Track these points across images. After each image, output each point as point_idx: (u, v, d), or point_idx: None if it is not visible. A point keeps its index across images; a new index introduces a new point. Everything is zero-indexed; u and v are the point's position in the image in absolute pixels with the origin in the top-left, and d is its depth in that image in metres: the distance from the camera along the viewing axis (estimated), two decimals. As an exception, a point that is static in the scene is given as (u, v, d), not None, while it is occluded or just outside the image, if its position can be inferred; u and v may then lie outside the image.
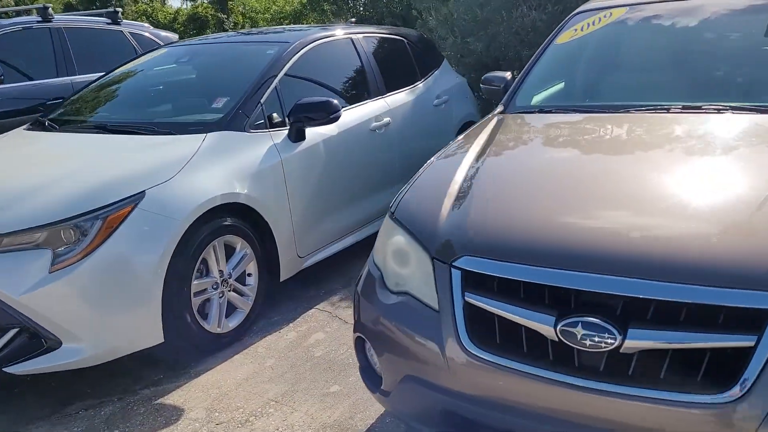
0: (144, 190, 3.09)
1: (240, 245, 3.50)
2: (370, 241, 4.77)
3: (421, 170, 2.61)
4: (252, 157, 3.60)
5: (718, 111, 2.57)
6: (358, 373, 2.42)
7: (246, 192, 3.46)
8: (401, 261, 2.19)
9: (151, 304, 3.04)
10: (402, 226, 2.23)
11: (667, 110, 2.68)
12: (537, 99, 3.23)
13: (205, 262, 3.30)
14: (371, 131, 4.42)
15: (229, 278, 3.46)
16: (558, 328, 1.72)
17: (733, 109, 2.57)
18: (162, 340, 3.12)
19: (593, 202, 2.04)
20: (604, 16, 3.37)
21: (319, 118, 3.80)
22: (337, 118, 3.83)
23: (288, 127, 3.84)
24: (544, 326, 1.74)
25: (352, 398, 2.92)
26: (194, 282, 3.23)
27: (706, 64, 2.99)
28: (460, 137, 2.92)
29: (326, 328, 3.62)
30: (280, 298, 3.96)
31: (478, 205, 2.14)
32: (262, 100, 3.78)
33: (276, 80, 3.91)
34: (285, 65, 4.02)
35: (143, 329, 3.05)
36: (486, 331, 1.87)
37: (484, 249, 1.94)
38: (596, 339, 1.67)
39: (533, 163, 2.48)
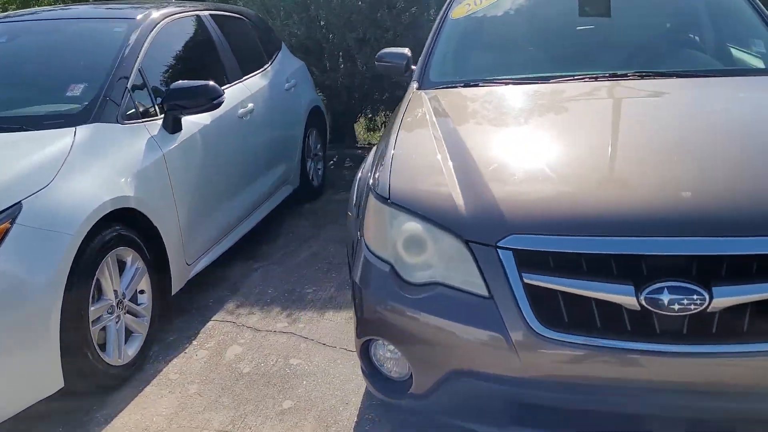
0: (20, 201, 2.44)
1: (131, 258, 2.94)
2: (243, 241, 4.42)
3: (385, 150, 2.40)
4: (132, 153, 3.04)
5: (652, 77, 2.76)
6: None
7: (134, 194, 2.91)
8: (418, 249, 1.98)
9: (49, 340, 2.43)
10: (411, 212, 2.02)
11: (597, 78, 2.78)
12: (453, 74, 3.17)
13: (98, 282, 2.72)
14: (239, 118, 4.01)
15: (124, 299, 2.90)
16: (642, 297, 1.67)
17: (662, 75, 2.76)
18: (62, 384, 2.51)
19: (624, 164, 2.03)
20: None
21: (199, 105, 3.33)
22: (219, 104, 3.40)
23: (163, 117, 3.33)
24: (624, 296, 1.69)
25: (314, 410, 2.62)
26: (91, 308, 2.65)
27: (607, 33, 3.17)
28: (399, 116, 2.75)
29: (239, 339, 3.22)
30: (166, 314, 3.44)
31: (500, 181, 2.01)
32: (128, 86, 3.21)
33: (138, 62, 3.34)
34: (143, 45, 3.45)
35: (39, 374, 2.43)
36: (551, 311, 1.76)
37: (533, 225, 1.82)
38: (685, 302, 1.65)
39: (522, 133, 2.41)
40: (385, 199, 2.12)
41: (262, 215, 4.34)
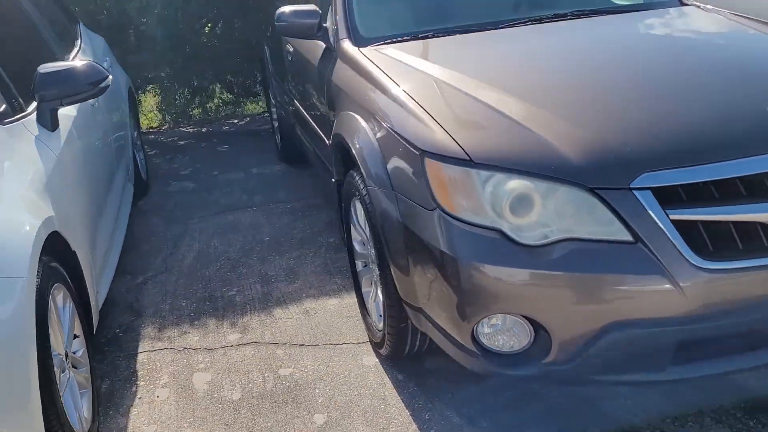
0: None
1: (62, 297, 2.24)
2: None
3: (402, 109, 2.17)
4: (29, 161, 2.28)
5: (578, 16, 2.86)
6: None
7: (54, 214, 2.20)
8: (529, 208, 1.82)
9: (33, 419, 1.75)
10: (509, 170, 1.84)
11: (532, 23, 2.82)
12: (385, 29, 2.93)
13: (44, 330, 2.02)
14: (92, 106, 3.25)
15: (68, 349, 2.20)
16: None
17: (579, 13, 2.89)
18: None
19: (685, 93, 2.09)
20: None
21: (81, 91, 2.61)
22: (105, 88, 2.70)
23: (36, 111, 2.54)
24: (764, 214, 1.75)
25: (355, 417, 2.30)
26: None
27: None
28: (371, 73, 2.48)
29: (196, 365, 2.68)
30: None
31: (594, 122, 1.94)
32: (-14, 74, 2.38)
33: (-20, 42, 2.50)
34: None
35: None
36: (701, 243, 1.76)
37: (661, 161, 1.79)
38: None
39: (545, 76, 2.32)
40: (465, 161, 1.90)
41: (126, 220, 3.63)
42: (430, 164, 1.99)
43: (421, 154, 2.02)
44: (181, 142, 6.00)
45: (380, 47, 2.73)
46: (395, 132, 2.17)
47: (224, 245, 3.77)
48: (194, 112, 6.62)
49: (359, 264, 2.82)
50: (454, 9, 3.05)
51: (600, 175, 1.79)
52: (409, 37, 2.78)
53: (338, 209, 2.94)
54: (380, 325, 2.52)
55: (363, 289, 2.79)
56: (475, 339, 1.93)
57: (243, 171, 4.99)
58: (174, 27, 5.60)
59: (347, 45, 2.83)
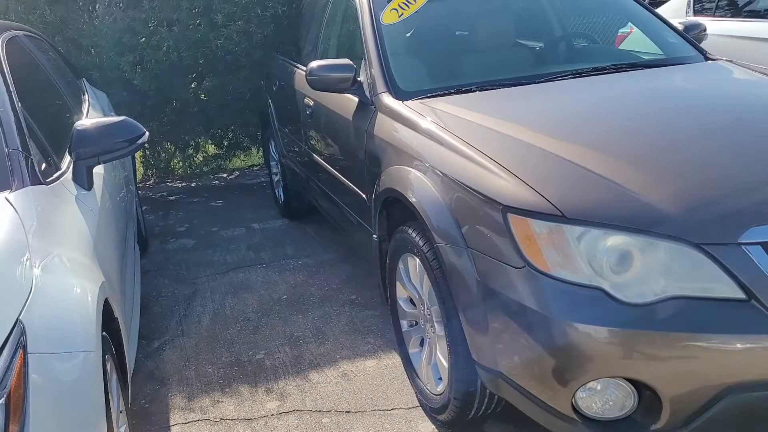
0: (17, 319, 1.50)
1: (110, 368, 2.05)
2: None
3: (472, 165, 2.11)
4: (74, 222, 2.11)
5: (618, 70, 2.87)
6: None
7: (105, 279, 2.03)
8: (629, 264, 1.75)
9: None
10: (607, 226, 1.77)
11: (579, 75, 2.81)
12: (424, 82, 2.90)
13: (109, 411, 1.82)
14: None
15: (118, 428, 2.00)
16: None
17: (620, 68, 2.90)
18: None
19: (739, 144, 2.08)
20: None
21: (118, 149, 2.46)
22: (142, 144, 2.56)
23: (72, 169, 2.38)
24: None
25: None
26: (114, 455, 1.77)
27: (546, 31, 3.23)
28: (441, 131, 2.40)
29: (239, 437, 2.49)
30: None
31: (684, 174, 1.92)
32: (25, 130, 2.22)
33: (14, 94, 2.34)
34: (5, 73, 2.43)
35: None
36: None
37: (763, 215, 1.75)
38: None
39: (610, 131, 2.29)
40: (556, 217, 1.83)
41: (139, 282, 3.43)
42: (515, 220, 1.91)
43: (503, 210, 1.94)
44: (172, 198, 5.81)
45: (426, 101, 2.68)
46: (468, 187, 2.09)
47: (240, 305, 3.59)
48: (179, 166, 6.46)
49: (404, 324, 2.70)
50: (490, 63, 3.04)
51: (704, 231, 1.74)
52: (452, 91, 2.74)
53: (380, 266, 2.83)
54: (439, 389, 2.39)
55: (410, 350, 2.66)
56: (573, 406, 1.82)
57: (244, 226, 4.84)
58: (167, 81, 5.48)
59: (388, 99, 2.77)
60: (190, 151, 6.28)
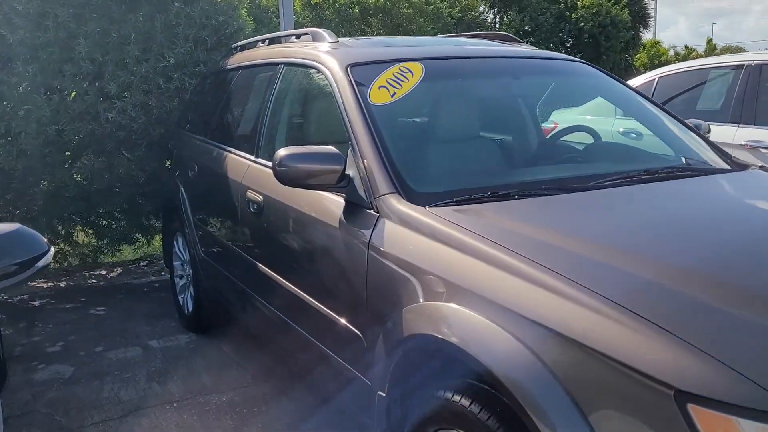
0: None
1: None
2: None
3: (627, 321, 1.36)
4: None
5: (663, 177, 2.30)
6: None
7: None
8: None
9: None
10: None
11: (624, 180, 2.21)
12: (445, 181, 2.16)
13: None
14: None
15: None
16: None
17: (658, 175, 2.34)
18: None
19: None
20: (404, 71, 2.51)
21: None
22: (41, 271, 1.57)
23: None
24: None
25: None
26: None
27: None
28: (518, 258, 1.65)
29: None
30: None
31: None
32: None
33: None
34: None
35: None
36: None
37: None
38: None
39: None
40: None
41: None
42: (702, 415, 1.19)
43: (676, 396, 1.22)
44: (36, 303, 4.54)
45: (460, 208, 1.94)
46: (601, 353, 1.35)
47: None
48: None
49: None
50: (517, 155, 2.40)
51: None
52: (485, 195, 2.02)
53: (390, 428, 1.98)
54: None
55: None
56: None
57: (139, 345, 3.74)
58: (39, 160, 4.36)
59: (401, 205, 2.00)
60: (61, 245, 5.06)
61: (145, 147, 4.58)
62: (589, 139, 2.85)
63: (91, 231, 5.11)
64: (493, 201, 1.99)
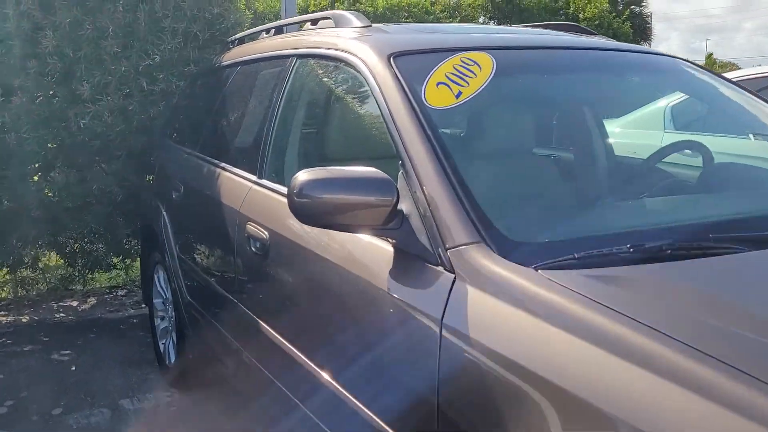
0: None
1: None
2: None
3: None
4: None
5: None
6: None
7: None
8: None
9: None
10: None
11: None
12: (554, 225, 1.42)
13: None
14: None
15: None
16: None
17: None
18: None
19: None
20: (468, 64, 1.78)
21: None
22: None
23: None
24: None
25: None
26: None
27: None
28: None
29: None
30: None
31: None
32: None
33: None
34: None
35: None
36: None
37: None
38: None
39: None
40: None
41: None
42: None
43: None
44: (-12, 343, 3.76)
45: (599, 274, 1.20)
46: None
47: None
48: (4, 290, 4.42)
49: None
50: (642, 187, 1.65)
51: None
52: (626, 249, 1.28)
53: None
54: None
55: None
56: None
57: (107, 405, 2.97)
58: (-4, 173, 3.61)
59: (492, 263, 1.26)
60: (25, 272, 4.28)
61: (124, 159, 3.83)
62: (690, 161, 2.12)
63: (58, 256, 4.34)
64: (643, 261, 1.25)
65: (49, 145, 3.76)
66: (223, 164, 2.48)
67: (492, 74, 1.74)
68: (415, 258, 1.40)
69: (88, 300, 4.52)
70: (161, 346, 3.24)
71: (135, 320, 4.09)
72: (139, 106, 3.70)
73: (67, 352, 3.59)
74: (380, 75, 1.73)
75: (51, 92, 3.66)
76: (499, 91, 1.75)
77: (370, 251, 1.52)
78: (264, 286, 2.03)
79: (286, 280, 1.89)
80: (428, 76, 1.70)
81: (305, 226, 1.63)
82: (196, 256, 2.66)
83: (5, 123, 3.52)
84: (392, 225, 1.44)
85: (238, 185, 2.26)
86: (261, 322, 2.02)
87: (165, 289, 3.16)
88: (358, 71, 1.82)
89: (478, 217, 1.34)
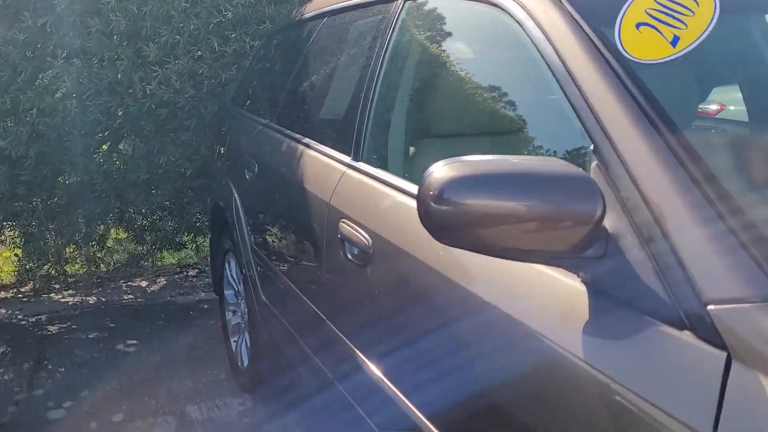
0: None
1: None
2: None
3: None
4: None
5: None
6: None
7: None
8: None
9: None
10: None
11: None
12: None
13: None
14: None
15: None
16: None
17: None
18: None
19: None
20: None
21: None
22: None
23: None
24: None
25: None
26: None
27: None
28: None
29: None
30: None
31: None
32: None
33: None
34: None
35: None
36: None
37: None
38: None
39: None
40: None
41: None
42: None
43: None
44: (51, 329, 3.43)
45: None
46: None
47: None
48: (75, 267, 4.12)
49: None
50: None
51: None
52: None
53: None
54: None
55: None
56: None
57: (173, 413, 2.56)
58: (57, 144, 3.23)
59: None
60: (93, 248, 3.96)
61: (194, 129, 3.39)
62: None
63: (126, 235, 3.99)
64: None
65: (118, 112, 3.36)
66: (306, 140, 1.96)
67: (716, 12, 1.12)
68: (631, 309, 0.84)
69: (158, 280, 4.17)
70: (233, 344, 2.80)
71: (206, 305, 3.70)
72: (210, 69, 3.22)
73: (134, 342, 3.23)
74: (545, 16, 1.15)
75: (116, 54, 3.22)
76: (738, 34, 1.14)
77: (547, 288, 0.96)
78: (362, 307, 1.50)
79: (396, 308, 1.35)
80: (621, 15, 1.11)
81: (417, 232, 1.08)
82: (273, 253, 2.17)
83: (67, 89, 3.12)
84: (590, 252, 0.87)
85: (327, 168, 1.73)
86: (357, 351, 1.50)
87: (237, 281, 2.71)
88: (506, 11, 1.24)
89: None
